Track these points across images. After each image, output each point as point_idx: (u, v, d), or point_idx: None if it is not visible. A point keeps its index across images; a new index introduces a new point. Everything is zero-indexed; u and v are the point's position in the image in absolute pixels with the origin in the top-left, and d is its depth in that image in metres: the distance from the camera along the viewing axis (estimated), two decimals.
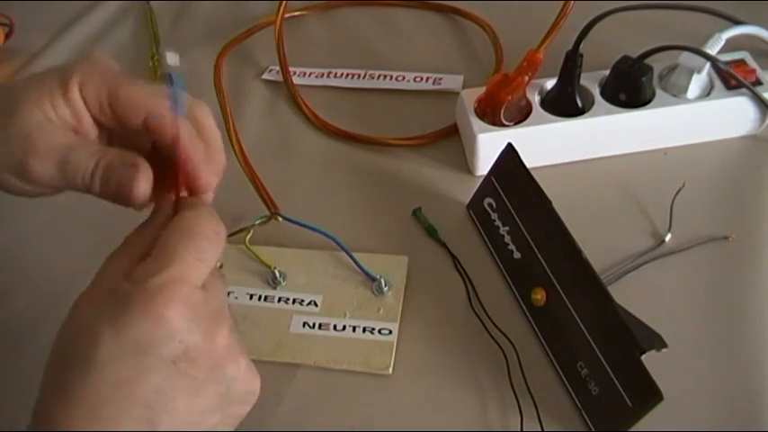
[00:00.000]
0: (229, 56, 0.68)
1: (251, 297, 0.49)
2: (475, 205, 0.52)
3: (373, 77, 0.64)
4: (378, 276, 0.49)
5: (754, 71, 0.54)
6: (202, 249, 0.32)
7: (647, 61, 0.54)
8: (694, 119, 0.54)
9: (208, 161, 0.36)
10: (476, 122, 0.54)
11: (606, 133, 0.54)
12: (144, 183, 0.35)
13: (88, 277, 0.33)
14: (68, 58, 0.70)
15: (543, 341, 0.45)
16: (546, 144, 0.54)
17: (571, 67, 0.54)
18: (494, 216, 0.50)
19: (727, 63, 0.54)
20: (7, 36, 0.70)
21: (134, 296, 0.30)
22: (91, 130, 0.36)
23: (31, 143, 0.34)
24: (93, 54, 0.36)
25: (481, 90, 0.55)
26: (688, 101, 0.54)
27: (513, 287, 0.48)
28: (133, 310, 0.29)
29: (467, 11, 0.70)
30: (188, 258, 0.31)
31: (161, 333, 0.30)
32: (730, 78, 0.54)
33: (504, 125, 0.54)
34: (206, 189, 0.36)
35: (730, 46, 0.55)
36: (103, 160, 0.35)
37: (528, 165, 0.47)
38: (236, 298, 0.49)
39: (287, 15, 0.68)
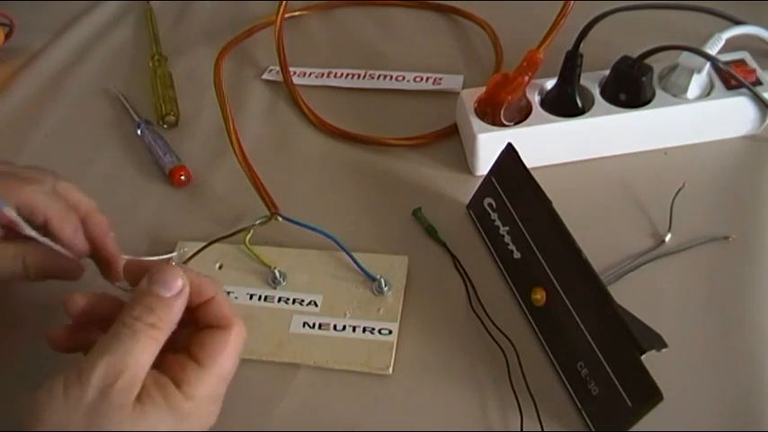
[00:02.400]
0: (229, 56, 0.68)
1: (251, 297, 0.49)
2: (475, 205, 0.52)
3: (373, 77, 0.64)
4: (378, 276, 0.48)
5: (754, 71, 0.54)
6: (236, 365, 0.39)
7: (647, 61, 0.54)
8: (694, 119, 0.54)
9: (90, 224, 0.44)
10: (476, 122, 0.54)
11: (606, 133, 0.54)
12: (77, 268, 0.43)
13: None
14: (68, 58, 0.70)
15: (543, 341, 0.45)
16: (546, 144, 0.54)
17: (571, 67, 0.54)
18: (494, 216, 0.50)
19: (727, 63, 0.54)
20: (7, 36, 0.70)
21: (195, 416, 0.37)
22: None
23: None
24: None
25: (481, 90, 0.55)
26: (688, 101, 0.54)
27: (513, 287, 0.48)
28: (194, 426, 0.37)
29: (467, 11, 0.70)
30: (231, 375, 0.39)
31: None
32: (730, 78, 0.54)
33: (504, 125, 0.54)
34: (107, 247, 0.44)
35: (730, 46, 0.55)
36: (24, 255, 0.43)
37: (528, 165, 0.47)
38: (236, 298, 0.49)
39: (287, 15, 0.68)
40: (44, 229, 0.42)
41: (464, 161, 0.56)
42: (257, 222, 0.52)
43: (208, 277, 0.40)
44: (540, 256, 0.46)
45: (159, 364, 0.37)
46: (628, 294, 0.43)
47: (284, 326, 0.48)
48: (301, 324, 0.47)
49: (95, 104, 0.65)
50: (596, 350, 0.41)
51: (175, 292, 0.38)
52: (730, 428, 0.41)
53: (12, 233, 0.42)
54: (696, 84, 0.54)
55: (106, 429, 0.34)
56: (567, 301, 0.43)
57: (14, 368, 0.47)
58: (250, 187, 0.54)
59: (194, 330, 0.39)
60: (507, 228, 0.49)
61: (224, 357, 0.38)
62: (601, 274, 0.43)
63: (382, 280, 0.48)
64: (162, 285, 0.38)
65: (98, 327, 0.39)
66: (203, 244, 0.51)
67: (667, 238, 0.50)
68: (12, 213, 0.40)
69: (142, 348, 0.36)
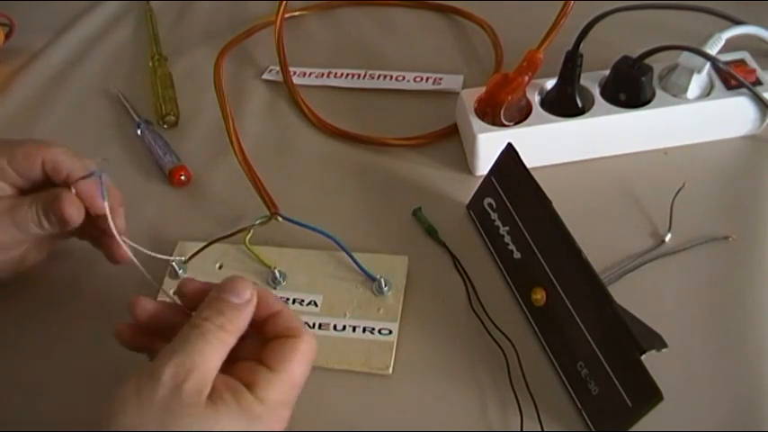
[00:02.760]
0: (229, 56, 0.68)
1: None
2: (475, 205, 0.52)
3: (373, 77, 0.64)
4: (378, 276, 0.48)
5: (754, 71, 0.54)
6: (307, 374, 0.39)
7: (647, 61, 0.54)
8: (694, 119, 0.54)
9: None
10: (476, 122, 0.54)
11: (606, 133, 0.54)
12: (69, 204, 0.44)
13: None
14: (68, 58, 0.70)
15: (543, 341, 0.45)
16: (546, 144, 0.54)
17: (571, 67, 0.54)
18: (494, 216, 0.50)
19: (727, 63, 0.54)
20: (7, 36, 0.70)
21: (265, 419, 0.36)
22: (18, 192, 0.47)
23: None
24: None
25: (481, 90, 0.55)
26: (688, 101, 0.54)
27: (513, 287, 0.48)
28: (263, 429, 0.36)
29: (467, 11, 0.70)
30: (301, 386, 0.39)
31: None
32: (730, 78, 0.54)
33: (504, 125, 0.54)
34: (116, 218, 0.45)
35: (730, 46, 0.55)
36: (38, 202, 0.45)
37: (528, 165, 0.47)
38: None
39: (287, 15, 0.68)
40: (65, 184, 0.45)
41: (464, 161, 0.56)
42: (257, 222, 0.52)
43: (271, 293, 0.41)
44: (540, 256, 0.46)
45: (229, 372, 0.37)
46: (628, 294, 0.43)
47: None
48: None
49: (95, 104, 0.66)
50: (596, 350, 0.41)
51: (244, 300, 0.39)
52: (730, 429, 0.41)
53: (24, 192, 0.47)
54: (696, 84, 0.54)
55: (180, 428, 0.34)
56: (566, 301, 0.43)
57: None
58: (250, 187, 0.54)
59: (263, 342, 0.39)
60: (507, 228, 0.49)
61: (294, 363, 0.38)
62: (601, 274, 0.43)
63: (382, 280, 0.48)
64: (232, 292, 0.39)
65: (162, 335, 0.40)
66: (203, 244, 0.51)
67: (667, 238, 0.50)
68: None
69: (211, 349, 0.36)
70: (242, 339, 0.38)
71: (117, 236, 0.45)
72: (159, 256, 0.49)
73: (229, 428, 0.35)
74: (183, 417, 0.34)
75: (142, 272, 0.43)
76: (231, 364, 0.38)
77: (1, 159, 0.45)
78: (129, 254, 0.46)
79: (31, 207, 0.45)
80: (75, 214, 0.44)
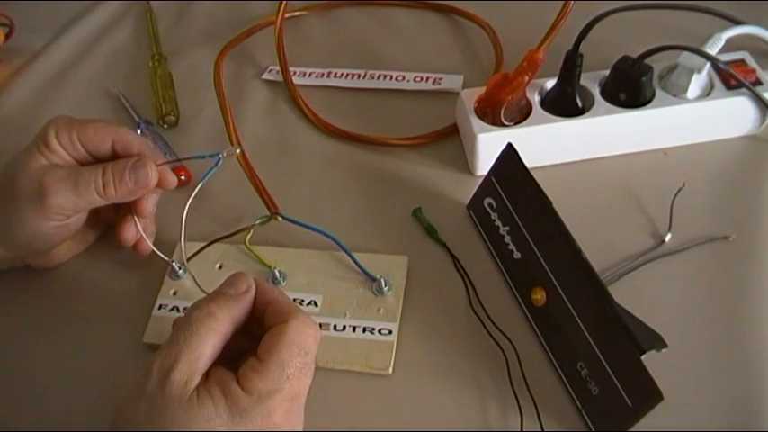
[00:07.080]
0: (229, 56, 0.68)
1: None
2: (475, 205, 0.52)
3: (373, 77, 0.64)
4: (378, 276, 0.48)
5: (754, 71, 0.54)
6: (308, 363, 0.38)
7: (647, 61, 0.54)
8: (694, 119, 0.54)
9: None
10: (476, 122, 0.54)
11: (606, 133, 0.54)
12: (152, 165, 0.46)
13: None
14: (68, 58, 0.70)
15: (543, 341, 0.45)
16: (546, 144, 0.54)
17: (571, 67, 0.54)
18: (494, 216, 0.50)
19: (727, 63, 0.54)
20: (7, 36, 0.70)
21: (252, 412, 0.35)
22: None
23: (44, 183, 0.44)
24: (58, 115, 0.47)
25: (481, 90, 0.55)
26: (688, 101, 0.54)
27: (513, 287, 0.48)
28: (251, 424, 0.35)
29: (467, 11, 0.70)
30: (297, 375, 0.37)
31: None
32: (730, 78, 0.54)
33: (504, 125, 0.54)
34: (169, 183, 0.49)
35: (730, 46, 0.55)
36: (108, 166, 0.45)
37: (528, 165, 0.47)
38: None
39: (287, 15, 0.68)
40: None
41: (464, 161, 0.56)
42: (257, 222, 0.52)
43: (270, 284, 0.41)
44: (540, 256, 0.46)
45: (234, 368, 0.37)
46: (628, 294, 0.43)
47: None
48: None
49: (95, 104, 0.65)
50: (596, 350, 0.41)
51: (240, 292, 0.39)
52: (730, 429, 0.41)
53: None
54: (696, 84, 0.54)
55: (163, 423, 0.34)
56: (566, 301, 0.43)
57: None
58: (250, 187, 0.54)
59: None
60: (507, 228, 0.49)
61: (281, 349, 0.37)
62: (601, 274, 0.43)
63: (382, 280, 0.48)
64: (228, 285, 0.39)
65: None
66: (203, 244, 0.51)
67: (667, 238, 0.50)
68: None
69: (196, 337, 0.36)
70: (254, 336, 0.39)
71: (144, 235, 0.49)
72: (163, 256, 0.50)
73: (207, 424, 0.35)
74: (167, 410, 0.35)
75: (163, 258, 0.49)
76: (238, 360, 0.38)
77: (72, 134, 0.46)
78: (152, 247, 0.50)
79: (96, 171, 0.45)
80: (154, 177, 0.46)
